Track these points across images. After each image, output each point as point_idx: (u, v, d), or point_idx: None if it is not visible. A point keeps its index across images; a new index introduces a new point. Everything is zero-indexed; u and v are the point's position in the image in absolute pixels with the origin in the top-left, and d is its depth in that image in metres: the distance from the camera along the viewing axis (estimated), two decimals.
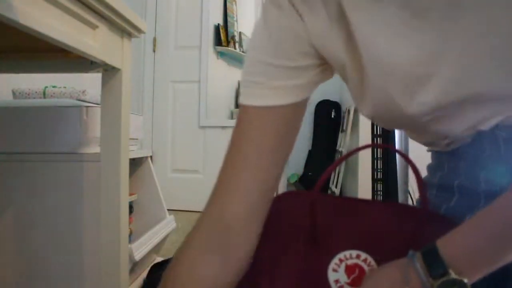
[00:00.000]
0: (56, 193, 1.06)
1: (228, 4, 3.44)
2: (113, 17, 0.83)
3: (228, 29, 3.42)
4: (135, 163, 1.55)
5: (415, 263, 0.38)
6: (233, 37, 3.46)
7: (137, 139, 1.53)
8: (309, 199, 0.51)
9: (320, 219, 0.50)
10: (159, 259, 1.57)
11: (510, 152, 0.48)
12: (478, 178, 0.50)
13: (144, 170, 1.59)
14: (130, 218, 1.45)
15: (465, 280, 0.36)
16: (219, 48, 3.25)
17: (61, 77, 1.52)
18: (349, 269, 0.49)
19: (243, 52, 3.66)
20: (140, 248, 1.27)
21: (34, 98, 1.21)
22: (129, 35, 0.94)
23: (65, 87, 1.24)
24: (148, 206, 1.57)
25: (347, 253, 0.50)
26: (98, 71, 0.91)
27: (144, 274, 1.44)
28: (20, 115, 1.09)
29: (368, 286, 0.43)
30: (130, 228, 1.41)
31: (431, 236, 0.41)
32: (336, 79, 0.57)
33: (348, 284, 0.49)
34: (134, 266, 1.30)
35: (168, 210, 1.64)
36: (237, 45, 3.53)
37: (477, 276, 0.38)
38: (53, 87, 1.23)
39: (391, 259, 0.43)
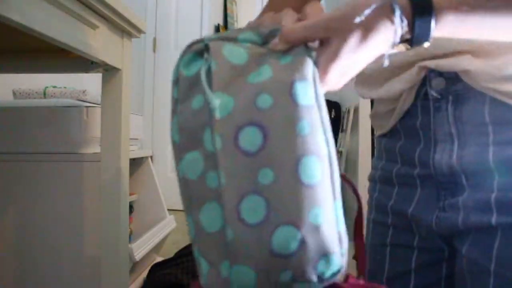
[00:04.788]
0: (56, 193, 1.06)
1: (228, 4, 3.44)
2: (113, 17, 0.82)
3: (228, 29, 3.43)
4: (135, 163, 1.55)
5: None
6: None
7: (137, 139, 1.53)
8: None
9: None
10: (159, 259, 1.57)
11: (439, 118, 0.47)
12: (413, 159, 0.51)
13: (144, 170, 1.59)
14: (130, 218, 1.45)
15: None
16: None
17: (61, 77, 1.52)
18: None
19: None
20: (140, 248, 1.28)
21: (35, 98, 1.21)
22: (129, 35, 0.94)
23: (65, 87, 1.24)
24: (148, 206, 1.57)
25: None
26: (98, 71, 0.91)
27: (144, 274, 1.44)
28: (21, 115, 1.09)
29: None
30: (130, 228, 1.41)
31: None
32: None
33: None
34: (134, 266, 1.30)
35: (168, 210, 1.64)
36: None
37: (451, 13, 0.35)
38: (54, 87, 1.23)
39: None
